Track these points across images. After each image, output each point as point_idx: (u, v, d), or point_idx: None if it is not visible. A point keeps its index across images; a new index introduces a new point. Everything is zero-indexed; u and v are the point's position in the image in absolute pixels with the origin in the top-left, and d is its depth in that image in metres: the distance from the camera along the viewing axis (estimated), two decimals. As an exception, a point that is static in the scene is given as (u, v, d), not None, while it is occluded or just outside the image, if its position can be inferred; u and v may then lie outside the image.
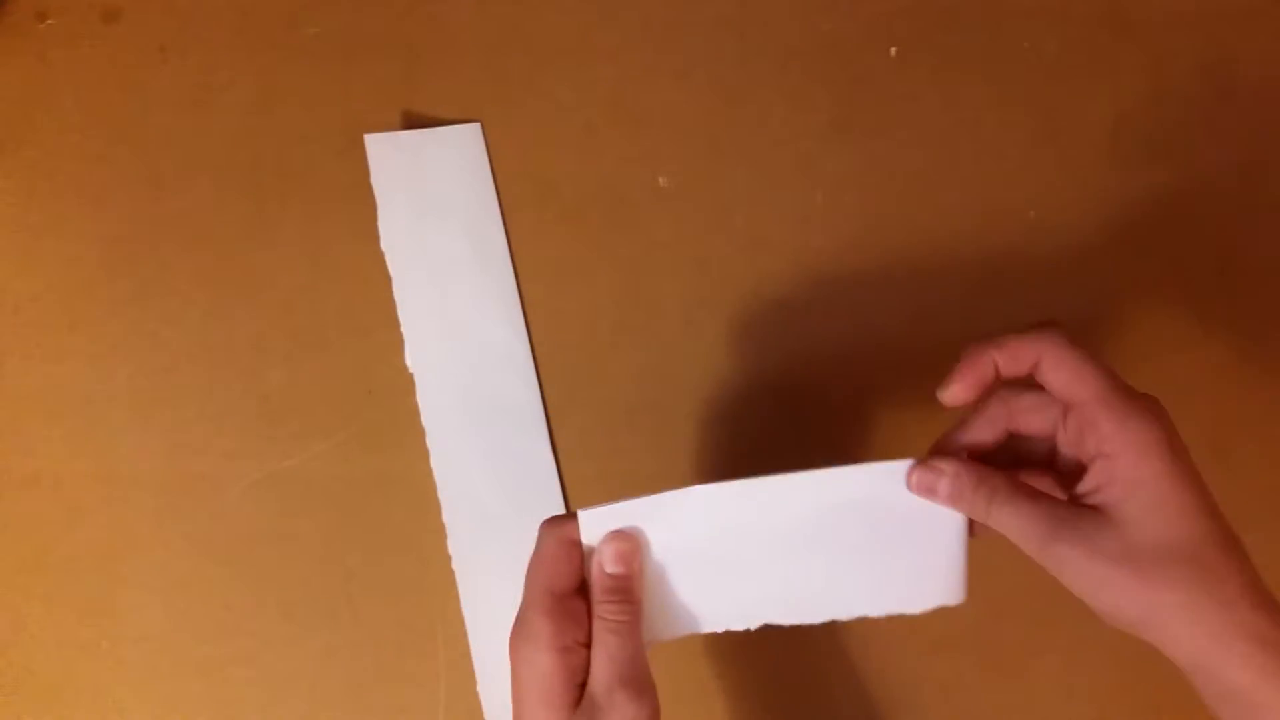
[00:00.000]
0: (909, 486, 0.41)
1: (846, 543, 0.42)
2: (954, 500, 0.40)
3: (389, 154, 0.53)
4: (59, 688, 0.53)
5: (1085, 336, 0.54)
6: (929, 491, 0.41)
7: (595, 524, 0.41)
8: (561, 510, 0.53)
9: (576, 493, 0.54)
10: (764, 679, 0.54)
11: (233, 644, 0.53)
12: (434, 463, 0.53)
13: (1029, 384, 0.40)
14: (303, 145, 0.53)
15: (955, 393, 0.41)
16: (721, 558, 0.42)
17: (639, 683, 0.39)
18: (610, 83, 0.54)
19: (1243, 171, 0.55)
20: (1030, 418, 0.41)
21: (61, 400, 0.53)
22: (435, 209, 0.53)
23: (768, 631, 0.53)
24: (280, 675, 0.53)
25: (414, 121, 0.54)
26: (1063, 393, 0.39)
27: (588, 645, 0.40)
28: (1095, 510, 0.37)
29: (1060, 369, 0.38)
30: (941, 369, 0.54)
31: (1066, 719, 0.54)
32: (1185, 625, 0.36)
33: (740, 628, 0.43)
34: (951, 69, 0.55)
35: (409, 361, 0.53)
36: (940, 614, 0.54)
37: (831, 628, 0.54)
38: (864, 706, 0.54)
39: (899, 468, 0.41)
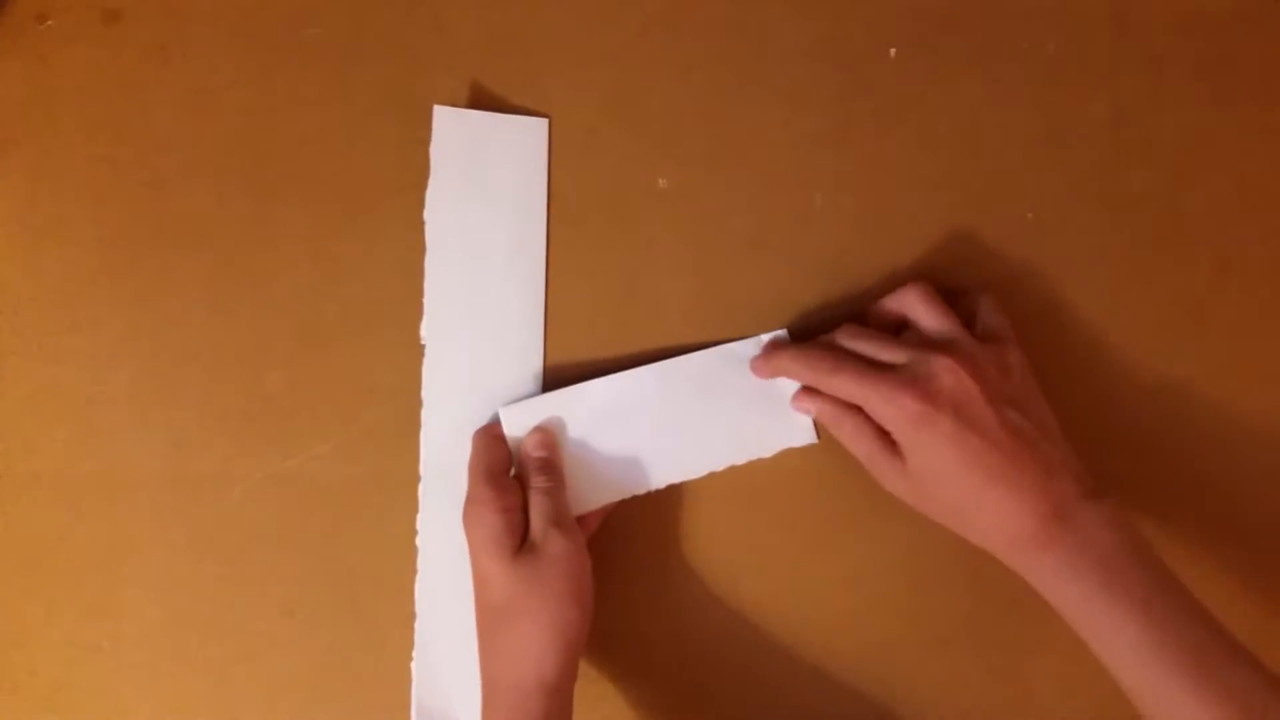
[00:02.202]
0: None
1: (715, 410, 0.53)
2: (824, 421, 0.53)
3: (454, 128, 0.53)
4: (60, 688, 0.53)
5: (1085, 337, 0.55)
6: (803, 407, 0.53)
7: (515, 417, 0.52)
8: None
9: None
10: (763, 677, 0.54)
11: (234, 644, 0.53)
12: (423, 435, 0.53)
13: None
14: (303, 146, 0.53)
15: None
16: (621, 436, 0.52)
17: (566, 526, 0.49)
18: (610, 84, 0.54)
19: (1242, 172, 0.55)
20: None
21: (63, 401, 0.53)
22: (485, 192, 0.54)
23: (766, 628, 0.54)
24: (282, 675, 0.53)
25: (414, 122, 0.54)
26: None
27: (524, 511, 0.49)
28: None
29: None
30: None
31: (1065, 716, 0.55)
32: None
33: (644, 491, 0.53)
34: (950, 70, 0.55)
35: (423, 332, 0.53)
36: (939, 613, 0.55)
37: (830, 628, 0.54)
38: (863, 705, 0.54)
39: (748, 344, 0.53)
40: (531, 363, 0.54)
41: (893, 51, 0.55)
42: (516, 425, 0.52)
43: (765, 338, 0.53)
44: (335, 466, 0.53)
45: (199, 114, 0.53)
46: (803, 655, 0.54)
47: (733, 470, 0.54)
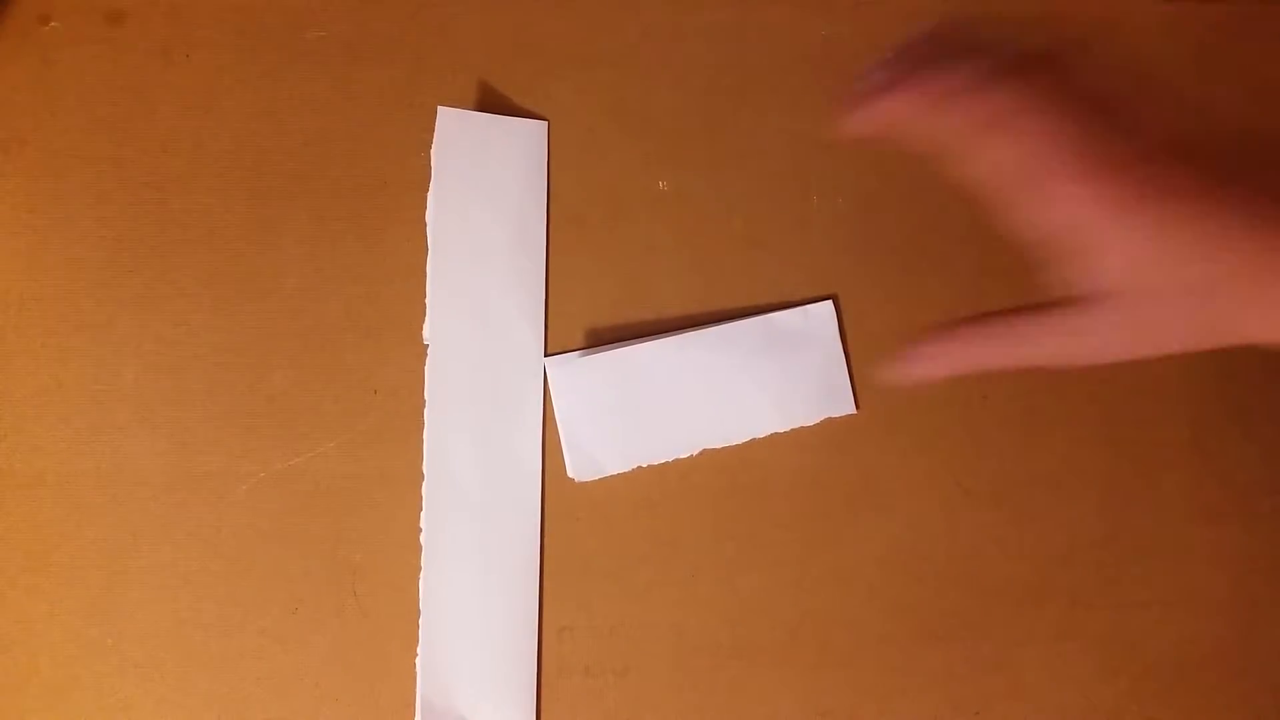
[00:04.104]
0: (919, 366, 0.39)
1: (759, 377, 0.54)
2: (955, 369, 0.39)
3: (456, 129, 0.54)
4: (64, 686, 0.53)
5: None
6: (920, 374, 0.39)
7: (561, 372, 0.54)
8: (535, 508, 0.54)
9: (560, 495, 0.55)
10: (759, 670, 0.55)
11: (238, 641, 0.53)
12: (426, 434, 0.54)
13: None
14: (307, 148, 0.54)
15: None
16: (666, 399, 0.54)
17: None
18: (611, 87, 0.55)
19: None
20: None
21: (67, 400, 0.53)
22: (487, 193, 0.54)
23: (761, 622, 0.54)
24: (286, 672, 0.53)
25: (417, 124, 0.54)
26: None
27: None
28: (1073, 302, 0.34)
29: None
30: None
31: (1053, 707, 0.56)
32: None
33: (685, 455, 0.54)
34: (944, 75, 0.56)
35: (426, 332, 0.54)
36: (929, 606, 0.55)
37: (824, 621, 0.55)
38: (855, 697, 0.55)
39: (794, 313, 0.55)
40: (533, 362, 0.55)
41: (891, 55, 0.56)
42: (562, 380, 0.53)
43: (811, 307, 0.55)
44: (339, 465, 0.54)
45: (203, 115, 0.54)
46: (797, 648, 0.55)
47: (729, 465, 0.54)
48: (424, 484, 0.53)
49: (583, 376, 0.54)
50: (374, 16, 0.54)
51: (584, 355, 0.54)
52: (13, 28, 0.53)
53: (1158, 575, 0.56)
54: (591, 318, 0.55)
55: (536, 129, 0.55)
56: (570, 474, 0.54)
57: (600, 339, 0.55)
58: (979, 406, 0.55)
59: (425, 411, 0.54)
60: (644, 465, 0.54)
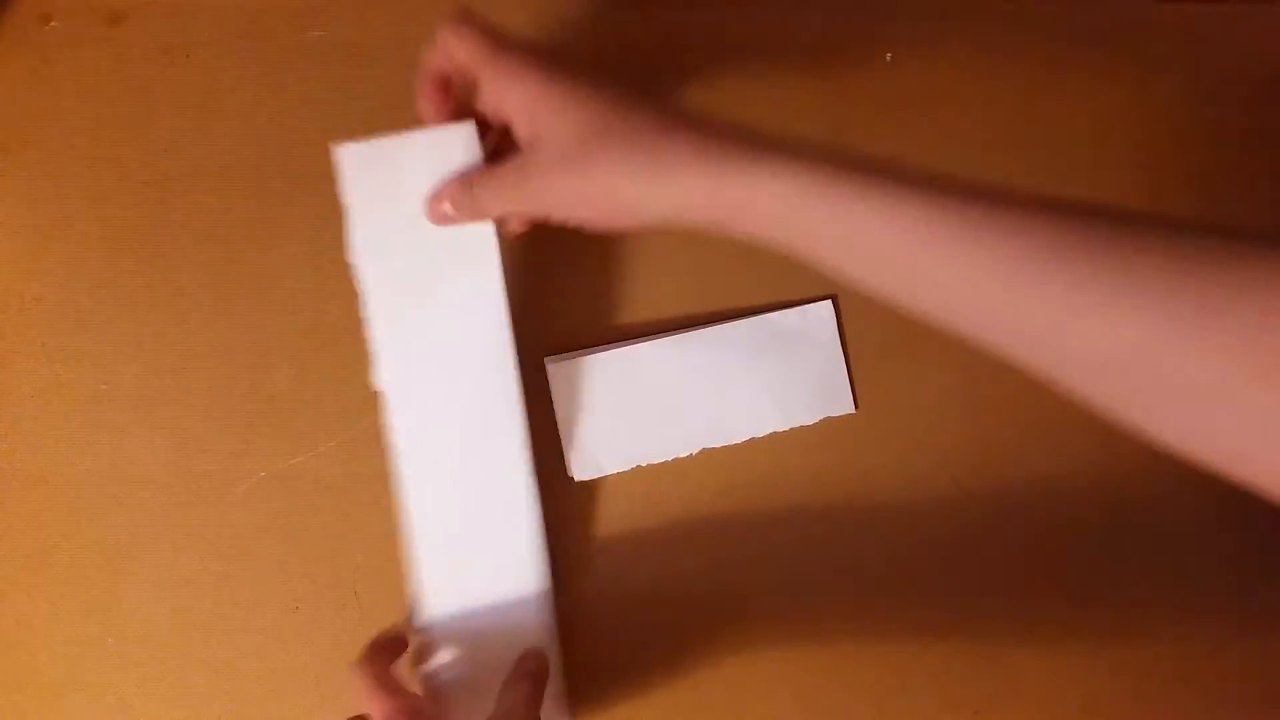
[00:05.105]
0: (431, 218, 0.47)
1: (759, 376, 0.54)
2: (460, 213, 0.46)
3: (363, 163, 0.47)
4: (64, 685, 0.53)
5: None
6: (442, 219, 0.47)
7: (560, 372, 0.54)
8: (538, 549, 0.52)
9: (561, 495, 0.55)
10: (758, 668, 0.55)
11: (238, 640, 0.53)
12: (405, 485, 0.49)
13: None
14: (307, 148, 0.54)
15: (423, 109, 0.47)
16: (666, 398, 0.54)
17: None
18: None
19: (1229, 178, 0.57)
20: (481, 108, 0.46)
21: (68, 400, 0.53)
22: (416, 218, 0.48)
23: (760, 621, 0.55)
24: (286, 671, 0.53)
25: (416, 124, 0.54)
26: (463, 72, 0.44)
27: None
28: (526, 147, 0.42)
29: (454, 51, 0.43)
30: (931, 354, 0.55)
31: (1053, 703, 0.56)
32: (635, 183, 0.40)
33: (686, 453, 0.54)
34: (943, 75, 0.56)
35: (379, 381, 0.49)
36: (929, 604, 0.56)
37: (823, 618, 0.55)
38: (855, 695, 0.55)
39: (793, 313, 0.55)
40: (504, 377, 0.49)
41: (888, 57, 0.56)
42: (562, 380, 0.54)
43: (810, 307, 0.55)
44: (339, 464, 0.54)
45: (203, 115, 0.54)
46: (797, 648, 0.55)
47: (728, 465, 0.55)
48: (409, 501, 0.49)
49: (583, 376, 0.54)
50: (374, 16, 0.54)
51: (584, 355, 0.54)
52: (13, 28, 0.53)
53: (1158, 575, 0.56)
54: (591, 318, 0.55)
55: (460, 134, 0.47)
56: (570, 474, 0.54)
57: (600, 339, 0.55)
58: (978, 406, 0.56)
59: (400, 463, 0.49)
60: (644, 465, 0.54)
